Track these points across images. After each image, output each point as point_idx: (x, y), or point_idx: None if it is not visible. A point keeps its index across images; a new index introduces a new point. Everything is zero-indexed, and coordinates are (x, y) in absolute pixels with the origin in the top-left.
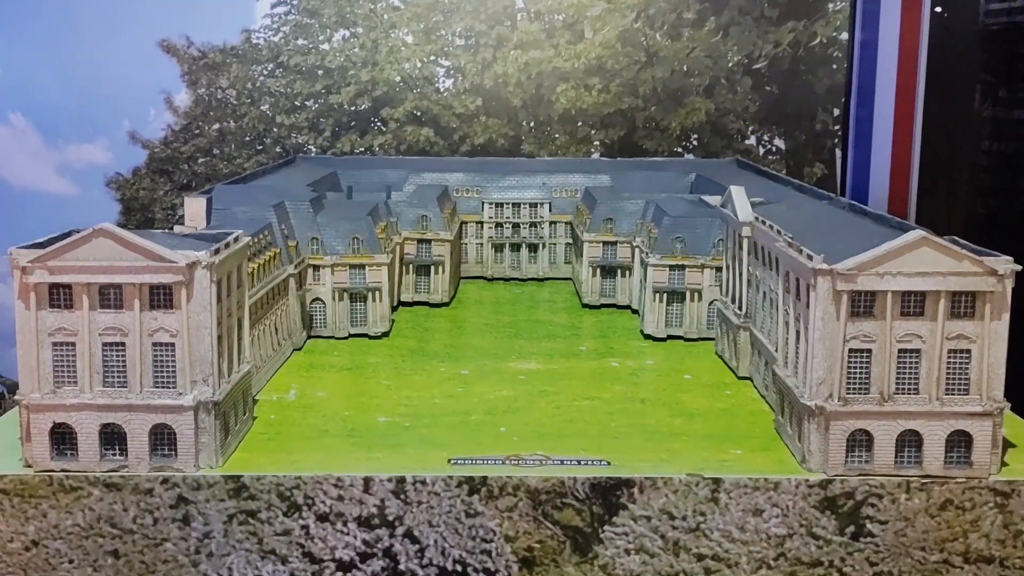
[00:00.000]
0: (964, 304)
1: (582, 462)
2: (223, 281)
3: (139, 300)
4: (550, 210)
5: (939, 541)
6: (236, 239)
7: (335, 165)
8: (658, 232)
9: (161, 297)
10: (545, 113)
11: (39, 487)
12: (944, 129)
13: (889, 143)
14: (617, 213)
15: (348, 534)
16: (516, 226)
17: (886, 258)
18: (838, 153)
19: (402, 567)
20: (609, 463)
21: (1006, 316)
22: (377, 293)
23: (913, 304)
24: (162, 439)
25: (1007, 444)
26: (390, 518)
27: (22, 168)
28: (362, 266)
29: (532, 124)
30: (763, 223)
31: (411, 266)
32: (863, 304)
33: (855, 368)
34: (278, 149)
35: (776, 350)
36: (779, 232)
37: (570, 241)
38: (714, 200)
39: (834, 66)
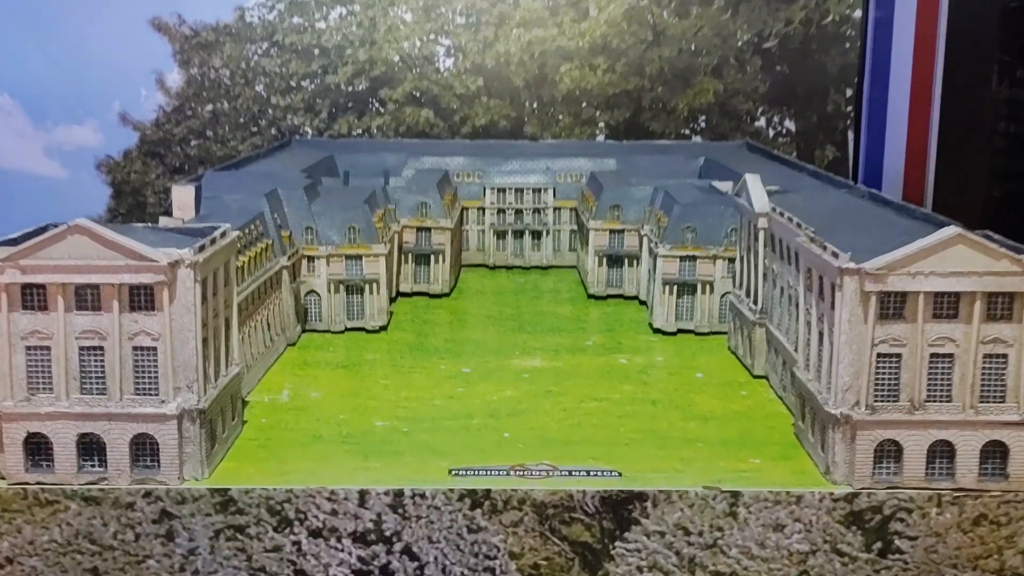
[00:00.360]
0: (1001, 306)
1: (591, 473)
2: (209, 280)
3: (118, 301)
4: (554, 196)
5: (972, 558)
6: (223, 234)
7: (332, 148)
8: (668, 221)
9: (142, 298)
10: (548, 94)
11: (13, 501)
12: (960, 111)
13: (904, 125)
14: (624, 200)
15: (343, 551)
16: (519, 212)
17: (918, 256)
18: (850, 135)
19: None
20: (620, 474)
21: None
22: (374, 285)
23: (946, 306)
24: (144, 450)
25: None
26: (387, 534)
27: (9, 150)
28: (359, 257)
29: (535, 105)
30: (781, 214)
31: (410, 255)
32: (893, 306)
33: (884, 374)
34: (273, 131)
35: (796, 350)
36: (800, 225)
37: (575, 228)
38: (725, 186)
39: (847, 45)
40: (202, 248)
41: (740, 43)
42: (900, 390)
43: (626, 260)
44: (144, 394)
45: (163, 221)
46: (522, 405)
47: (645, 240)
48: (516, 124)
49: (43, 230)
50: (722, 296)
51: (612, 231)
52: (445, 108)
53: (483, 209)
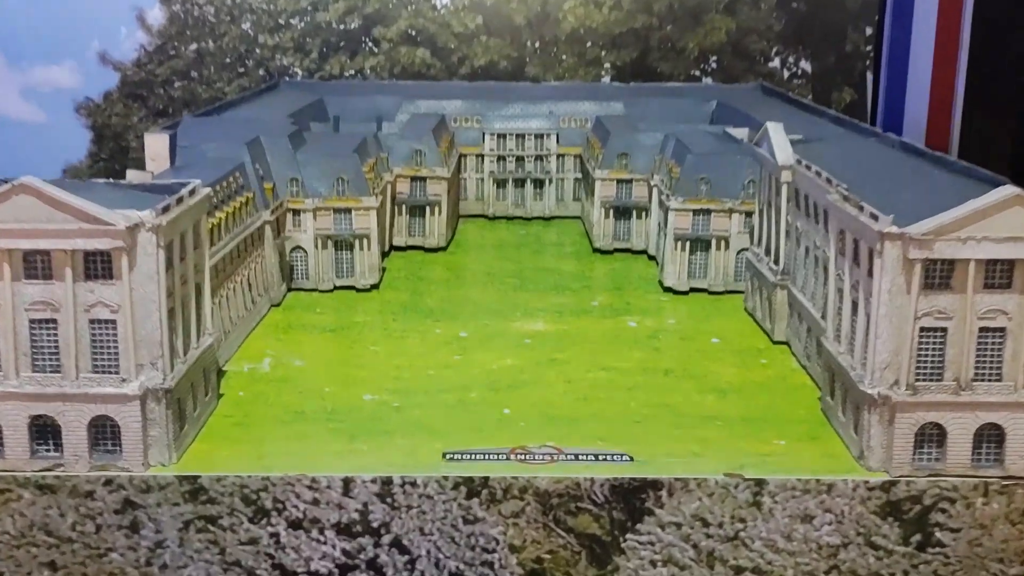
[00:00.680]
0: None
1: (600, 457)
2: (175, 243)
3: (72, 269)
4: (557, 141)
5: (1020, 552)
6: (192, 191)
7: (322, 91)
8: (680, 171)
9: (98, 265)
10: (551, 32)
11: None
12: (991, 52)
13: (928, 67)
14: (632, 147)
15: (325, 543)
16: (520, 159)
17: (970, 220)
18: (869, 77)
19: None
20: (631, 458)
21: None
22: (365, 240)
23: (999, 274)
24: (104, 433)
25: None
26: (375, 525)
27: None
28: (348, 210)
29: (537, 45)
30: (808, 168)
31: (404, 207)
32: (939, 274)
33: (927, 350)
34: (261, 72)
35: (823, 318)
36: (830, 181)
37: (579, 176)
38: (740, 133)
39: None
40: (166, 209)
41: None
42: (945, 368)
43: (634, 212)
44: (103, 372)
45: (130, 175)
46: (523, 375)
47: (655, 191)
48: (517, 65)
49: None
50: (738, 253)
51: (619, 181)
52: (442, 48)
53: (482, 156)
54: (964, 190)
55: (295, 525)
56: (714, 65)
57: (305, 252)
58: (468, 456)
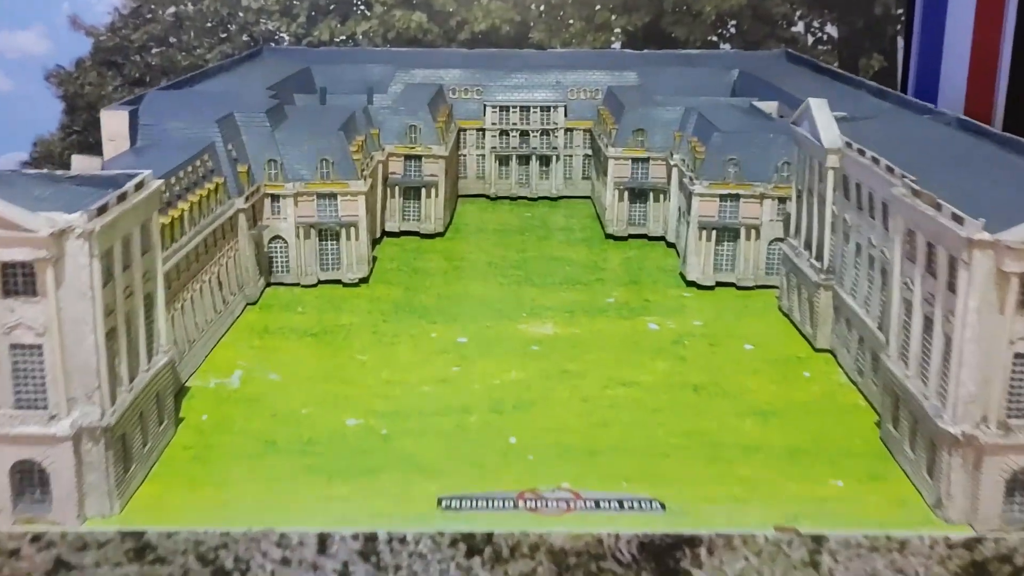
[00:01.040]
0: None
1: (625, 505)
2: (117, 249)
3: None
4: (565, 115)
5: None
6: (140, 184)
7: (309, 59)
8: (705, 151)
9: (19, 280)
10: None
11: None
12: None
13: (969, 30)
14: (649, 122)
15: None
16: (524, 134)
17: None
18: (900, 42)
19: None
20: (663, 506)
21: None
22: (353, 229)
23: None
24: (30, 481)
25: None
26: None
27: None
28: (333, 195)
29: (542, 8)
30: (861, 152)
31: (397, 189)
32: None
33: (1023, 381)
34: (245, 38)
35: (882, 329)
36: (891, 169)
37: (589, 153)
38: (769, 107)
39: None
40: (103, 209)
41: None
42: None
43: (651, 194)
44: (27, 407)
45: (76, 163)
46: (532, 392)
47: (675, 172)
48: (520, 30)
49: None
50: (770, 244)
51: (635, 160)
52: (440, 11)
53: (483, 130)
54: None
55: None
56: (733, 30)
57: (285, 242)
58: (468, 503)
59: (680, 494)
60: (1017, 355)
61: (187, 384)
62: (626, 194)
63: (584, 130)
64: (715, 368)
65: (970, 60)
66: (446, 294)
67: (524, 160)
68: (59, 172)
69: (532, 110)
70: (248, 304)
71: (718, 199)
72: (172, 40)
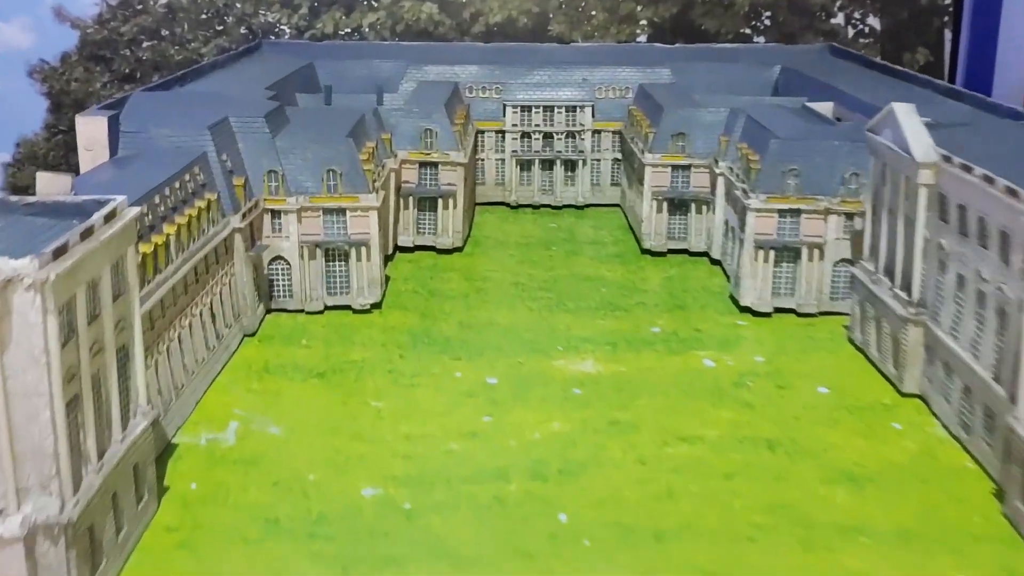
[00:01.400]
0: None
1: None
2: (81, 300)
3: None
4: (593, 115)
5: None
6: (111, 215)
7: (312, 54)
8: (761, 160)
9: None
10: None
11: None
12: None
13: None
14: (690, 125)
15: None
16: (548, 137)
17: None
18: (947, 34)
19: None
20: None
21: None
22: (363, 249)
23: None
24: None
25: None
26: None
27: None
28: (341, 211)
29: None
30: (966, 169)
31: (411, 199)
32: None
33: None
34: (242, 30)
35: (999, 382)
36: (1015, 194)
37: (619, 157)
38: (823, 108)
39: None
40: (61, 251)
41: None
42: None
43: (693, 205)
44: None
45: (41, 182)
46: (579, 451)
47: (721, 181)
48: (539, 22)
49: None
50: (835, 265)
51: (675, 167)
52: (452, 2)
53: (503, 133)
54: None
55: None
56: (767, 22)
57: (288, 264)
58: None
59: None
60: None
61: (174, 440)
62: (665, 205)
63: (613, 132)
64: (788, 418)
65: None
66: (469, 322)
67: (548, 165)
68: (14, 198)
69: (556, 110)
70: (246, 335)
71: (776, 215)
72: (164, 33)
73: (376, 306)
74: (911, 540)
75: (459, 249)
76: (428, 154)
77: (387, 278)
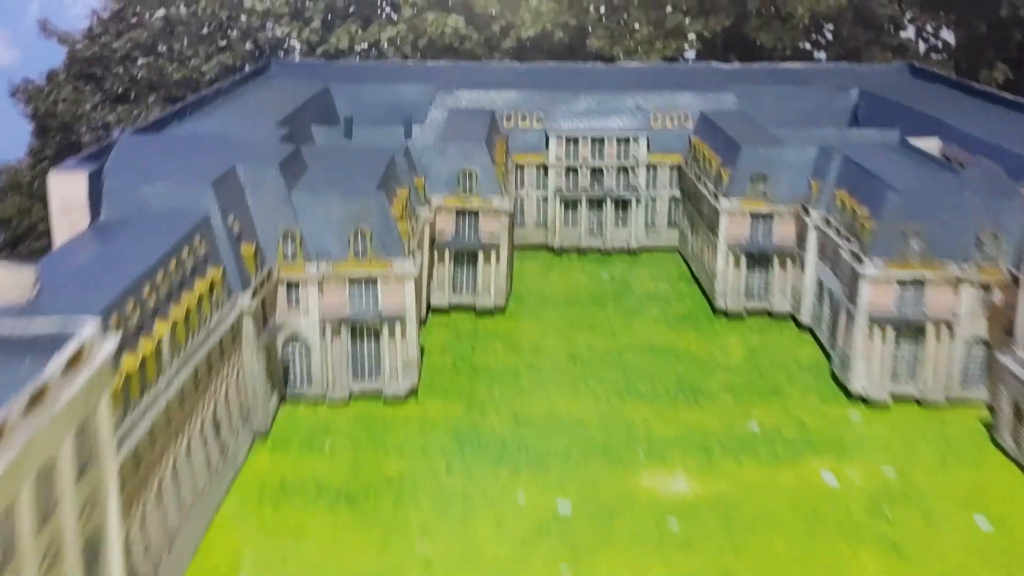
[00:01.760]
0: None
1: None
2: (25, 499)
3: None
4: (648, 147)
5: None
6: (77, 357)
7: (326, 75)
8: (875, 217)
9: None
10: None
11: None
12: None
13: None
14: (772, 165)
15: None
16: (597, 172)
17: None
18: None
19: None
20: None
21: None
22: (398, 326)
23: None
24: None
25: None
26: None
27: None
28: (372, 281)
29: (602, 10)
30: None
31: (447, 252)
32: None
33: None
34: (248, 46)
35: None
36: None
37: (677, 195)
38: (929, 145)
39: None
40: None
41: None
42: None
43: (775, 259)
44: None
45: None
46: None
47: (813, 233)
48: (577, 36)
49: None
50: (968, 344)
51: (755, 215)
52: (480, 14)
53: (545, 167)
54: None
55: None
56: (829, 35)
57: (307, 345)
58: None
59: None
60: None
61: None
62: (743, 259)
63: (671, 167)
64: (953, 569)
65: None
66: (525, 414)
67: (596, 204)
68: None
69: (607, 142)
70: (257, 436)
71: (896, 284)
72: (161, 49)
73: (412, 393)
74: None
75: (501, 309)
76: (466, 200)
77: (421, 349)
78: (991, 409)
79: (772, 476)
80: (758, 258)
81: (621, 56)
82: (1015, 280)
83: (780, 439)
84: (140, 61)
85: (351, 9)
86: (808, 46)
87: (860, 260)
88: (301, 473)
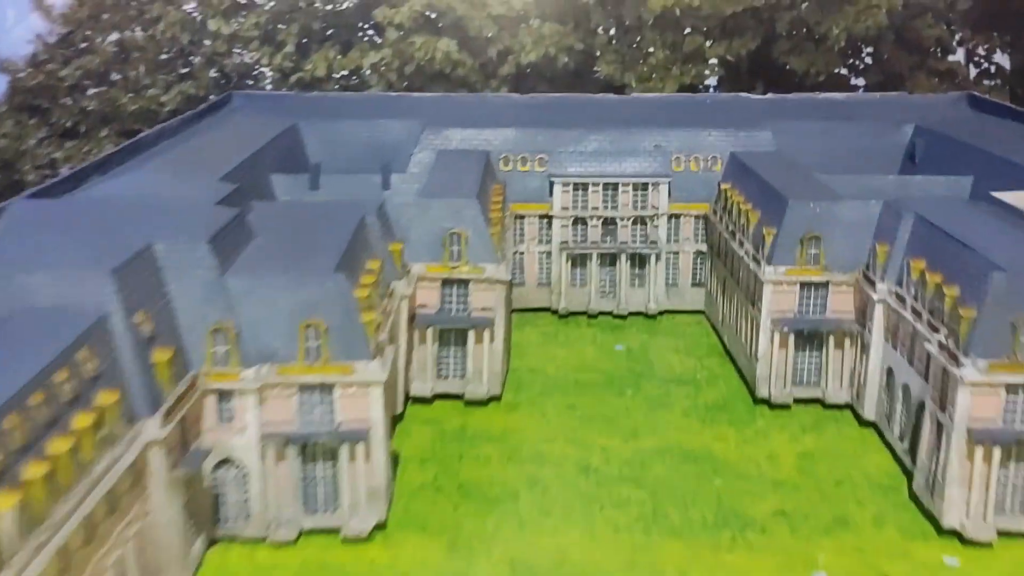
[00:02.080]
0: None
1: None
2: None
3: None
4: (669, 194)
5: None
6: None
7: (295, 110)
8: (971, 302)
9: None
10: (633, 14)
11: None
12: None
13: None
14: (825, 224)
15: None
16: (610, 223)
17: None
18: None
19: None
20: None
21: None
22: (361, 446)
23: None
24: None
25: None
26: None
27: None
28: (328, 388)
29: (612, 32)
30: None
31: (430, 331)
32: None
33: None
34: (213, 73)
35: None
36: None
37: (703, 249)
38: (1016, 199)
39: None
40: None
41: None
42: None
43: (830, 338)
44: None
45: None
46: None
47: (879, 309)
48: (584, 62)
49: None
50: None
51: (805, 285)
52: (475, 37)
53: (549, 218)
54: None
55: None
56: (868, 59)
57: (243, 471)
58: None
59: None
60: None
61: None
62: (791, 338)
63: (696, 216)
64: None
65: None
66: (526, 560)
67: (609, 260)
68: None
69: (620, 188)
70: None
71: (1003, 390)
72: (115, 77)
73: (379, 527)
74: None
75: (496, 398)
76: (454, 267)
77: (396, 459)
78: None
79: None
80: (809, 337)
81: (634, 83)
82: None
83: None
84: (91, 91)
85: (329, 32)
86: (844, 71)
87: (955, 359)
88: None
